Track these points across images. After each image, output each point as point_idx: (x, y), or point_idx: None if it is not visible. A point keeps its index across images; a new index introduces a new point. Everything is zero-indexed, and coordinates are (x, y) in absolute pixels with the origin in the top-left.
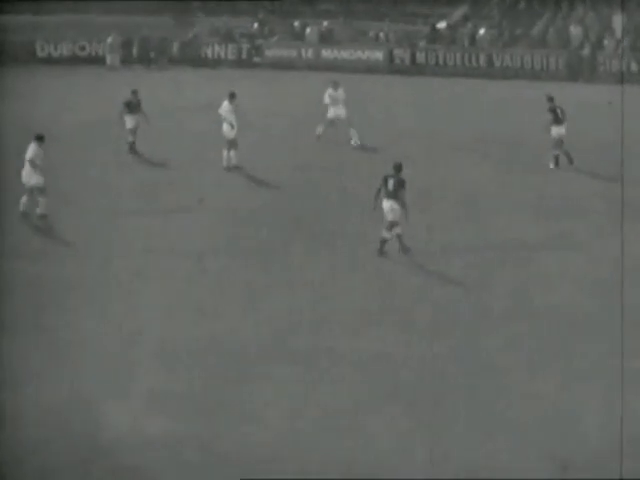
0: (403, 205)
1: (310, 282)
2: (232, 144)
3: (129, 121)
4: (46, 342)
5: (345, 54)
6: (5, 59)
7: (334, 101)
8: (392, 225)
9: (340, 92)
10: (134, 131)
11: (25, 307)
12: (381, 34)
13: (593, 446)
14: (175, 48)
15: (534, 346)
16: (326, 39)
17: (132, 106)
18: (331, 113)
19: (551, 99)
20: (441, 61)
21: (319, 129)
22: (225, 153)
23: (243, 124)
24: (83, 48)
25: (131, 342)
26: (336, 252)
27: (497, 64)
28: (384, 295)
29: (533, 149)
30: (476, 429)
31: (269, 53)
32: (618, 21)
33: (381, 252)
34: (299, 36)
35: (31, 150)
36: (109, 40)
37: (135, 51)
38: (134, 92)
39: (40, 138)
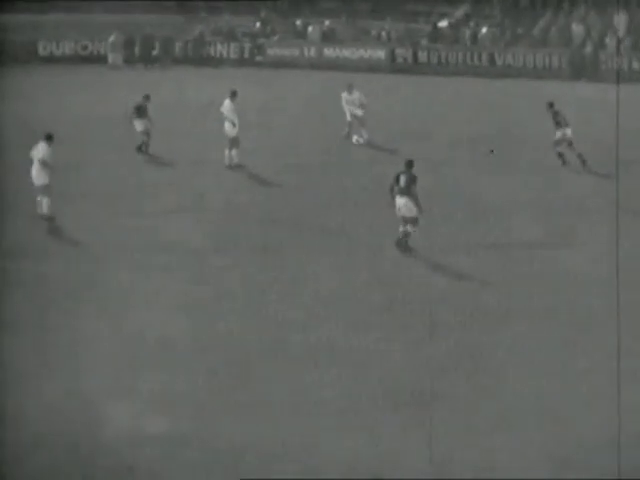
0: (416, 201)
1: (311, 280)
2: (234, 142)
3: (138, 125)
4: (48, 341)
5: (347, 53)
6: (7, 58)
7: (350, 104)
8: (411, 221)
9: (355, 95)
10: (145, 133)
11: (27, 307)
12: (383, 33)
13: (591, 445)
14: (177, 47)
15: (534, 346)
16: (328, 38)
17: (141, 110)
18: (349, 115)
19: (551, 105)
20: (443, 60)
21: (345, 133)
22: (227, 152)
23: (245, 123)
24: (85, 47)
25: (132, 342)
26: (337, 250)
27: (499, 63)
28: (384, 294)
29: (535, 148)
30: (476, 429)
31: (271, 52)
32: (620, 20)
33: (405, 246)
34: (301, 35)
35: (42, 150)
36: (111, 39)
37: (137, 50)
38: (146, 96)
39: (49, 137)
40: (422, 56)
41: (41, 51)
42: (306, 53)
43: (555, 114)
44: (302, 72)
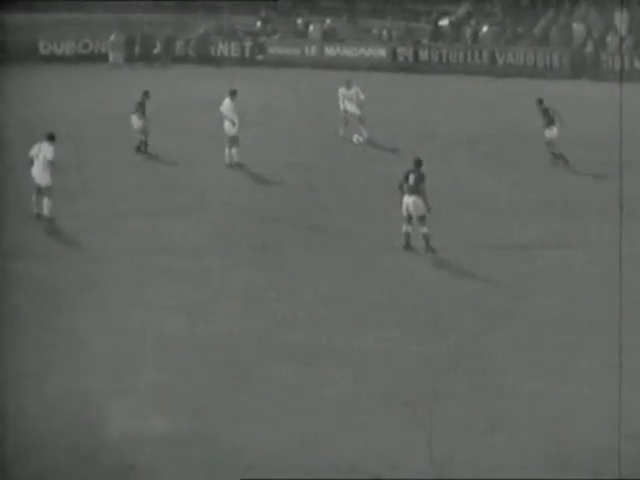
0: (425, 199)
1: (311, 280)
2: (233, 141)
3: (136, 122)
4: (48, 341)
5: (348, 52)
6: (8, 57)
7: (348, 100)
8: (420, 220)
9: (353, 91)
10: (143, 132)
11: (27, 307)
12: (384, 32)
13: (592, 445)
14: (178, 46)
15: (534, 346)
16: (329, 37)
17: (140, 107)
18: (345, 111)
19: (540, 101)
20: (444, 59)
21: (341, 131)
22: (227, 150)
23: (246, 122)
24: (86, 46)
25: (132, 341)
26: (337, 250)
27: (500, 62)
28: (384, 294)
29: (536, 147)
30: (476, 429)
31: (272, 51)
32: (621, 18)
33: (407, 246)
34: (302, 34)
35: (46, 150)
36: (112, 38)
37: (138, 49)
38: (145, 93)
39: (52, 137)
40: (423, 55)
41: (42, 50)
42: (307, 52)
43: (544, 111)
44: (303, 71)
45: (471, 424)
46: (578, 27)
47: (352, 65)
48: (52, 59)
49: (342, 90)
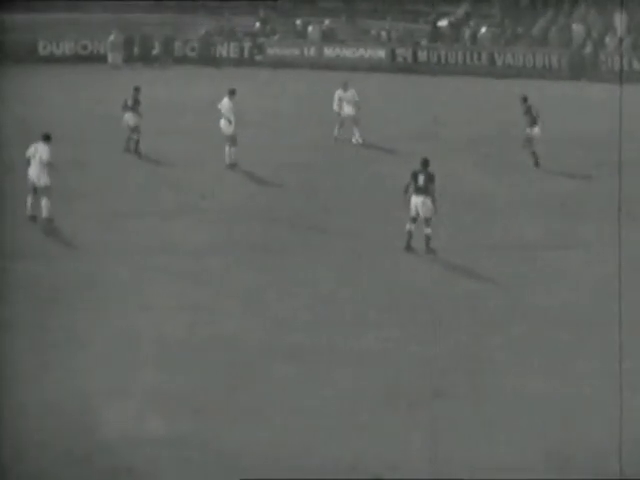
0: (434, 200)
1: (310, 280)
2: (231, 140)
3: (128, 119)
4: (47, 342)
5: (347, 52)
6: (7, 58)
7: (345, 101)
8: (426, 221)
9: (350, 93)
10: (135, 129)
11: (26, 307)
12: (383, 32)
13: (593, 446)
14: (177, 46)
15: (534, 346)
16: (328, 37)
17: (131, 103)
18: (342, 113)
19: (525, 100)
20: (443, 60)
21: (335, 132)
22: (227, 149)
23: (245, 122)
24: (85, 47)
25: (131, 342)
26: (337, 249)
27: (499, 63)
28: (384, 293)
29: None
30: (476, 429)
31: (271, 51)
32: (620, 19)
33: (408, 247)
34: (301, 34)
35: (43, 150)
36: (111, 39)
37: (137, 50)
38: (136, 89)
39: (47, 138)
40: (422, 56)
41: (41, 51)
42: (306, 53)
43: (528, 109)
44: (302, 72)
45: (471, 424)
46: (577, 28)
47: (351, 66)
48: (51, 59)
49: (339, 92)
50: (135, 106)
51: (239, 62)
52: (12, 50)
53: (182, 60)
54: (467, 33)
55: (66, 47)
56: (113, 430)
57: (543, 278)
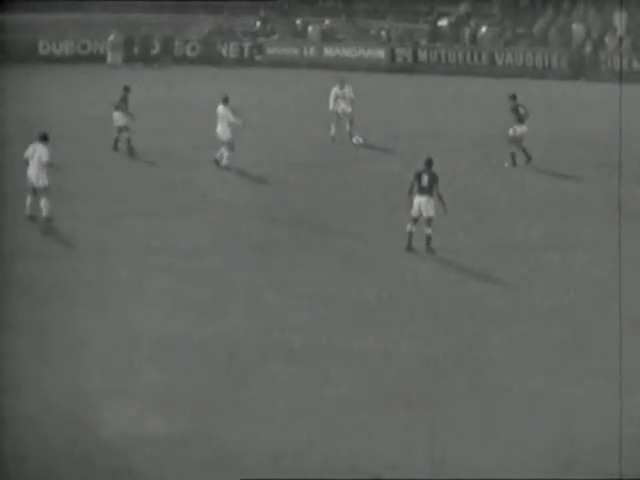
0: (440, 199)
1: (310, 280)
2: (228, 146)
3: (118, 118)
4: (47, 342)
5: (347, 52)
6: (7, 57)
7: (340, 99)
8: (427, 222)
9: (347, 90)
10: (125, 128)
11: (25, 307)
12: (383, 32)
13: (593, 446)
14: (177, 46)
15: (534, 346)
16: (328, 37)
17: (121, 103)
18: (337, 110)
19: (514, 97)
20: (443, 59)
21: (332, 131)
22: (225, 152)
23: (244, 122)
24: (85, 47)
25: (131, 342)
26: (337, 249)
27: (499, 62)
28: (384, 294)
29: (535, 147)
30: (476, 429)
31: (271, 51)
32: (620, 19)
33: (409, 247)
34: (301, 34)
35: (41, 151)
36: (111, 38)
37: (137, 49)
38: (126, 88)
39: (45, 138)
40: (422, 55)
41: (41, 50)
42: (306, 52)
43: (516, 107)
44: (302, 71)
45: (471, 424)
46: (577, 27)
47: (351, 66)
48: (51, 59)
49: (335, 89)
50: (123, 105)
51: (239, 62)
52: (12, 50)
53: (182, 60)
54: (467, 33)
55: (66, 47)
56: (113, 430)
57: (543, 278)
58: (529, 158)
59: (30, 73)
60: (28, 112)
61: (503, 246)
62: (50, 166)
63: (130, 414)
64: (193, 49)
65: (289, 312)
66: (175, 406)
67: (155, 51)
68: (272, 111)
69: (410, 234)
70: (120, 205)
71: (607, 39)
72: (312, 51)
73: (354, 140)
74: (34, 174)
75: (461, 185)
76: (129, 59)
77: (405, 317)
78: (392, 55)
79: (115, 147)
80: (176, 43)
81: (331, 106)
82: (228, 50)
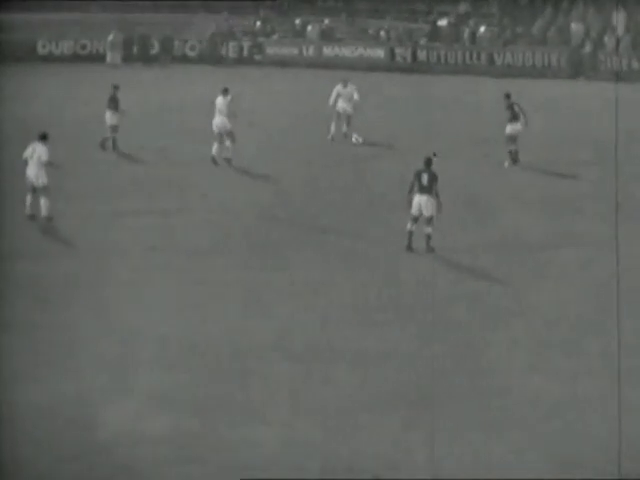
0: (438, 199)
1: (311, 280)
2: (229, 136)
3: (109, 118)
4: (46, 341)
5: (346, 52)
6: (6, 57)
7: (342, 97)
8: (427, 221)
9: (349, 89)
10: (114, 128)
11: (26, 307)
12: (382, 32)
13: (593, 445)
14: (176, 46)
15: (534, 346)
16: (327, 37)
17: (112, 102)
18: (338, 108)
19: (508, 96)
20: (442, 59)
21: (331, 130)
22: (217, 145)
23: (244, 121)
24: (84, 46)
25: (131, 342)
26: (337, 250)
27: (498, 62)
28: (384, 294)
29: (534, 147)
30: (476, 429)
31: (270, 51)
32: (619, 18)
33: (409, 246)
34: (300, 34)
35: (40, 150)
36: (110, 38)
37: (136, 49)
38: (115, 87)
39: (44, 137)
40: (421, 55)
41: (40, 50)
42: (305, 52)
43: (510, 106)
44: (301, 71)
45: (471, 424)
46: (576, 27)
47: (350, 65)
48: (50, 59)
49: (338, 87)
50: (113, 104)
51: (239, 61)
52: (11, 49)
53: (181, 59)
54: (466, 32)
55: (65, 46)
56: (113, 430)
57: (543, 278)
58: (516, 160)
59: (29, 73)
60: (27, 112)
61: (503, 245)
62: (50, 165)
63: (129, 414)
64: (192, 49)
65: (289, 312)
66: (175, 406)
67: (154, 51)
68: (271, 110)
69: (410, 233)
70: (120, 204)
71: (606, 39)
72: (311, 51)
73: (353, 139)
74: (34, 173)
75: (461, 185)
76: (128, 59)
77: (405, 317)
78: (391, 55)
79: (102, 146)
80: (175, 43)
81: (331, 103)
82: (227, 50)
